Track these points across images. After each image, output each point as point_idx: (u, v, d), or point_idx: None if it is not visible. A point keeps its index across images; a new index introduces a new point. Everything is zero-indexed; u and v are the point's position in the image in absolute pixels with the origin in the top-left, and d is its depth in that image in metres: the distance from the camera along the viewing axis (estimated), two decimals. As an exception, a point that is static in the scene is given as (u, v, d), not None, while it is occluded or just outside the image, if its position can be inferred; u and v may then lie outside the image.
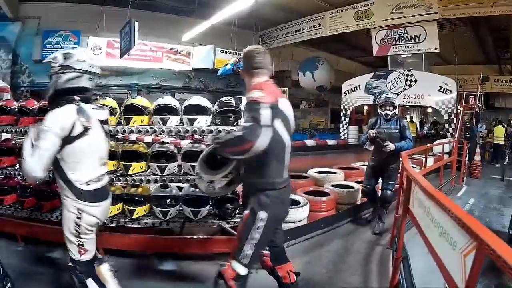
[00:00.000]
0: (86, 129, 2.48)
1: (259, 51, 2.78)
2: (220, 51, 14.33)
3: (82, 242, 2.59)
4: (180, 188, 4.52)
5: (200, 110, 4.03)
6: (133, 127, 4.06)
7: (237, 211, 4.23)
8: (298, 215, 4.84)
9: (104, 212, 2.73)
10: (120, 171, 4.27)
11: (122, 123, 4.11)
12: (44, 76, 12.22)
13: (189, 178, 4.08)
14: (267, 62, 2.74)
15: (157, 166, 4.11)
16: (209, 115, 4.06)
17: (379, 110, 5.35)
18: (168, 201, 4.34)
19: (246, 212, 2.53)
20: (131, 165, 4.17)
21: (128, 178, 4.16)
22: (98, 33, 13.31)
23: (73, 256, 2.63)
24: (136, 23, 8.80)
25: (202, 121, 4.00)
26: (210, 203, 4.30)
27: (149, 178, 4.15)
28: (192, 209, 4.20)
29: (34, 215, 4.64)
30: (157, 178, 4.12)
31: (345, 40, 16.05)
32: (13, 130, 4.58)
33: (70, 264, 2.65)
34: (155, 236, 4.41)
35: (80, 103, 2.52)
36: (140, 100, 4.19)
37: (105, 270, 2.80)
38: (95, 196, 2.60)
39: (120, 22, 10.01)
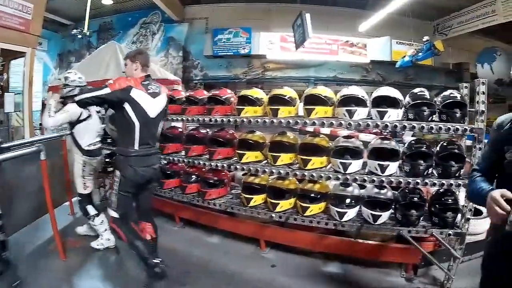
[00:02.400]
0: (88, 116, 4.21)
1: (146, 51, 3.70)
2: (397, 42, 13.64)
3: (85, 181, 4.31)
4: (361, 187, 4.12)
5: (391, 102, 3.63)
6: (315, 118, 3.79)
7: (421, 218, 3.73)
8: (479, 228, 4.27)
9: (98, 163, 4.52)
10: (298, 165, 4.03)
11: (304, 115, 3.86)
12: (216, 69, 14.10)
13: (374, 178, 3.72)
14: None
15: (340, 162, 3.75)
16: (401, 108, 3.64)
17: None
18: (347, 201, 3.93)
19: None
20: (310, 160, 3.89)
21: (306, 173, 3.90)
22: (269, 29, 13.73)
23: (80, 191, 4.34)
24: (307, 14, 8.61)
25: (394, 114, 3.59)
26: (393, 208, 3.89)
27: (330, 175, 3.84)
28: (373, 212, 3.72)
29: (195, 201, 4.66)
30: (339, 176, 3.81)
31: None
32: (179, 118, 4.66)
33: (78, 198, 4.39)
34: (324, 235, 4.16)
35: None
36: (253, 92, 4.13)
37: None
38: (93, 153, 4.34)
39: (290, 17, 9.97)
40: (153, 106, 3.33)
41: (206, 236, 4.85)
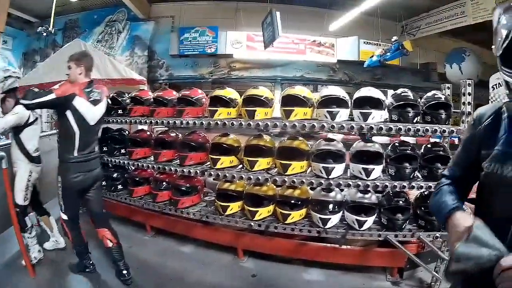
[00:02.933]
0: (36, 118, 3.92)
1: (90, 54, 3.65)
2: (364, 42, 13.56)
3: (28, 192, 3.87)
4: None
5: (374, 103, 3.44)
6: (294, 120, 3.53)
7: (407, 222, 3.61)
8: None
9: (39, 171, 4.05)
10: (276, 170, 3.78)
11: (282, 116, 3.62)
12: (182, 69, 13.72)
13: (359, 183, 3.51)
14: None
15: (323, 167, 3.52)
16: (384, 109, 3.47)
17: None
18: (330, 206, 3.74)
19: None
20: (290, 164, 3.62)
21: (286, 179, 3.62)
22: (236, 28, 13.54)
23: (20, 202, 3.77)
24: (277, 13, 8.40)
25: (377, 116, 3.41)
26: (377, 212, 3.69)
27: (312, 181, 3.58)
28: (358, 218, 3.57)
29: (167, 210, 4.36)
30: (322, 181, 3.57)
31: (490, 29, 14.48)
32: (147, 121, 4.31)
33: (16, 209, 3.65)
34: (305, 242, 3.92)
35: None
36: (226, 92, 3.86)
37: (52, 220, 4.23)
38: (38, 160, 3.99)
39: (258, 16, 9.88)
40: (94, 114, 3.38)
41: (180, 246, 4.55)
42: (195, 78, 14.03)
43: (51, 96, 3.10)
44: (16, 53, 15.35)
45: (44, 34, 11.83)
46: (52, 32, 11.61)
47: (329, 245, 3.85)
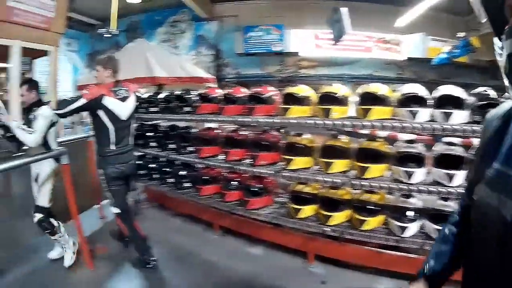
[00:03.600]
0: None
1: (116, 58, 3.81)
2: (432, 39, 13.10)
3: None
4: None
5: (455, 103, 3.12)
6: (374, 120, 3.29)
7: None
8: None
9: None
10: (354, 173, 3.56)
11: (359, 115, 3.39)
12: (249, 68, 13.88)
13: (441, 189, 3.17)
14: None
15: (405, 171, 3.25)
16: (466, 110, 3.12)
17: None
18: (409, 214, 3.45)
19: None
20: (368, 167, 3.39)
21: (364, 183, 3.39)
22: (302, 25, 13.36)
23: (44, 204, 3.71)
24: (344, 9, 8.15)
25: (459, 117, 3.08)
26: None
27: (392, 186, 3.33)
28: (439, 227, 3.24)
29: (236, 210, 4.27)
30: (402, 186, 3.30)
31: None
32: (216, 119, 4.24)
33: (39, 214, 3.66)
34: (380, 250, 3.65)
35: None
36: (299, 89, 3.70)
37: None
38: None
39: (323, 14, 9.58)
40: (124, 110, 3.66)
41: (248, 247, 4.42)
42: (262, 76, 13.96)
43: (82, 101, 3.36)
44: (81, 54, 16.13)
45: (107, 35, 12.24)
46: (115, 33, 11.99)
47: (405, 254, 3.55)
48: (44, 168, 3.70)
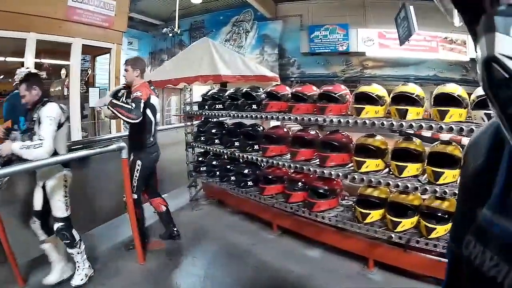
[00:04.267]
0: (68, 116, 3.36)
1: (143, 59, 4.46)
2: None
3: (67, 200, 3.37)
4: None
5: None
6: (449, 123, 3.16)
7: None
8: None
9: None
10: (427, 179, 3.42)
11: (435, 117, 3.27)
12: (313, 67, 14.01)
13: None
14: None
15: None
16: None
17: None
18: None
19: (131, 159, 4.06)
20: (443, 173, 3.25)
21: (438, 189, 3.26)
22: (366, 25, 13.41)
23: (62, 214, 3.32)
24: (411, 7, 8.04)
25: None
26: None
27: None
28: None
29: (300, 212, 4.21)
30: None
31: None
32: (285, 117, 4.21)
33: (60, 224, 3.30)
34: (441, 259, 3.47)
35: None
36: (373, 89, 3.56)
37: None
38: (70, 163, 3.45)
39: (387, 12, 9.90)
40: (159, 104, 4.32)
41: (306, 249, 4.38)
42: (327, 76, 13.96)
43: (143, 102, 3.83)
44: (143, 53, 16.67)
45: (170, 34, 12.65)
46: (178, 33, 12.32)
47: None
48: (50, 175, 3.29)
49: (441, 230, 3.39)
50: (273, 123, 5.15)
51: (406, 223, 3.52)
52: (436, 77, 13.49)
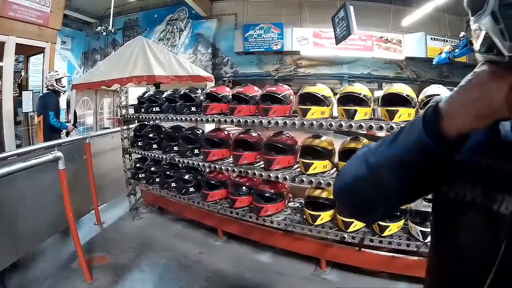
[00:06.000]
0: None
1: None
2: (431, 38, 13.16)
3: None
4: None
5: None
6: (397, 122, 3.12)
7: None
8: None
9: None
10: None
11: (382, 117, 3.24)
12: (247, 66, 13.98)
13: None
14: None
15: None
16: None
17: None
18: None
19: None
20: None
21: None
22: (301, 24, 13.61)
23: None
24: (351, 7, 8.06)
25: None
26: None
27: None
28: None
29: (247, 217, 4.03)
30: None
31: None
32: (227, 120, 3.97)
33: None
34: (394, 255, 3.49)
35: None
36: (319, 89, 3.47)
37: None
38: None
39: (323, 12, 10.08)
40: None
41: (255, 253, 4.23)
42: (260, 75, 14.16)
43: None
44: (76, 53, 15.97)
45: (104, 33, 12.26)
46: (112, 31, 11.90)
47: (422, 258, 3.37)
48: None
49: (394, 227, 3.39)
50: (209, 126, 4.92)
51: (358, 223, 3.46)
52: (370, 75, 14.17)
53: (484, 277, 0.74)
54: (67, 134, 6.57)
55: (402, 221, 3.45)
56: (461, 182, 0.81)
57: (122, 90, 5.88)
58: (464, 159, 0.78)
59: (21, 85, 7.93)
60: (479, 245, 0.78)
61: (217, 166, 4.15)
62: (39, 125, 6.38)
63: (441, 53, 11.18)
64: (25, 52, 7.65)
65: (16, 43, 6.79)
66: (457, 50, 10.52)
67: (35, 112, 7.14)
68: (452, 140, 0.70)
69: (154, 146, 5.03)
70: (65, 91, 6.74)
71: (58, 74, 6.34)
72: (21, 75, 7.96)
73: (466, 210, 0.80)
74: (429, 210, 3.07)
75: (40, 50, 7.66)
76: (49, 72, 6.65)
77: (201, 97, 4.38)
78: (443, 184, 0.85)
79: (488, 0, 0.66)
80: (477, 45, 0.72)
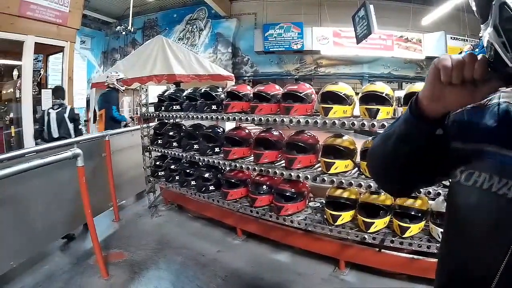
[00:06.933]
0: None
1: None
2: (451, 37, 12.89)
3: None
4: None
5: None
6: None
7: None
8: None
9: None
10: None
11: (361, 115, 3.15)
12: (267, 66, 14.01)
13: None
14: None
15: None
16: None
17: None
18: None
19: None
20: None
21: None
22: (321, 23, 13.49)
23: None
24: (371, 6, 8.04)
25: None
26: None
27: (440, 191, 3.09)
28: None
29: (267, 216, 4.01)
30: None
31: None
32: (248, 118, 3.96)
33: None
34: (414, 257, 3.42)
35: None
36: (341, 88, 3.42)
37: None
38: None
39: (343, 11, 10.03)
40: None
41: (273, 253, 4.20)
42: (280, 74, 14.07)
43: None
44: (96, 52, 16.14)
45: (123, 33, 12.32)
46: (131, 31, 12.00)
47: None
48: None
49: (415, 228, 3.32)
50: (230, 124, 4.92)
51: (379, 224, 3.41)
52: (390, 74, 13.90)
53: (496, 268, 0.76)
54: (125, 125, 7.03)
55: (423, 222, 3.38)
56: (479, 170, 0.83)
57: (142, 89, 5.93)
58: (480, 148, 0.84)
59: (40, 84, 8.05)
60: (493, 233, 0.79)
61: (237, 165, 4.14)
62: (101, 117, 6.89)
63: (460, 52, 10.92)
64: (44, 51, 7.76)
65: (35, 42, 6.90)
66: (477, 50, 10.28)
67: (97, 106, 7.65)
68: (428, 116, 0.83)
69: (174, 144, 5.04)
70: (124, 89, 7.14)
71: (118, 75, 6.82)
72: (40, 74, 8.09)
73: (483, 198, 0.81)
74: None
75: (60, 49, 7.76)
76: (111, 73, 7.19)
77: (222, 96, 4.35)
78: (460, 172, 0.88)
79: (491, 12, 0.72)
80: (487, 50, 0.78)
